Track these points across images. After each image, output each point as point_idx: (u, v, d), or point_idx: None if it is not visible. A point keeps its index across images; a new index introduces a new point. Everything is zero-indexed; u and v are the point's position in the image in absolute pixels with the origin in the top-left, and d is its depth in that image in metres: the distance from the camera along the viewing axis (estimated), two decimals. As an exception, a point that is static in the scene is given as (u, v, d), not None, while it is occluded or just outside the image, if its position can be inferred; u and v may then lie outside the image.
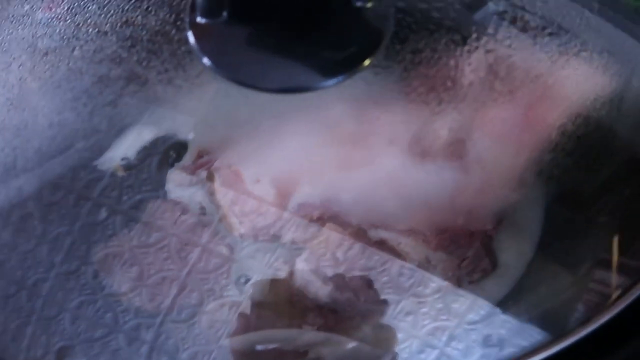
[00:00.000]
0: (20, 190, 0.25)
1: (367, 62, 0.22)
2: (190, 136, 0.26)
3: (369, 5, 0.21)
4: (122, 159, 0.27)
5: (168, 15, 0.23)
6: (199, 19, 0.21)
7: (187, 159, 0.27)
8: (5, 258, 0.26)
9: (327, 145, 0.25)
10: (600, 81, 0.24)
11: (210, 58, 0.21)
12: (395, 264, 0.25)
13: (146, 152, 0.27)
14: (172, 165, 0.27)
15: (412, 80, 0.23)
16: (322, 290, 0.23)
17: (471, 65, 0.24)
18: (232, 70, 0.22)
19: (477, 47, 0.24)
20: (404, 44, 0.23)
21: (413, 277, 0.25)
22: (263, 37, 0.22)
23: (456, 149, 0.24)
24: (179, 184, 0.27)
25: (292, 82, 0.22)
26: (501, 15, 0.24)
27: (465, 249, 0.25)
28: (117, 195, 0.27)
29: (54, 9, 0.26)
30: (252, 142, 0.25)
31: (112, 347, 0.25)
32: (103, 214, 0.27)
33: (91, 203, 0.27)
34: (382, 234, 0.25)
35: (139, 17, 0.23)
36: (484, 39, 0.23)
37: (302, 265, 0.24)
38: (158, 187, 0.27)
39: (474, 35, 0.23)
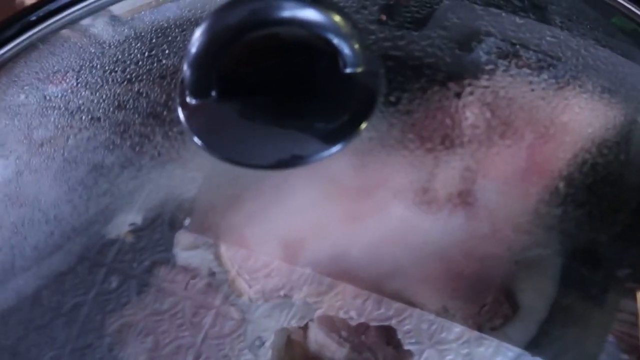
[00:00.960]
0: (18, 292, 0.25)
1: (362, 127, 0.21)
2: (194, 200, 0.26)
3: (359, 70, 0.21)
4: (130, 225, 0.27)
5: (159, 97, 0.23)
6: (188, 100, 0.21)
7: (194, 222, 0.27)
8: (21, 335, 0.26)
9: (332, 200, 0.25)
10: (607, 119, 0.23)
11: (201, 137, 0.21)
12: (415, 313, 0.24)
13: (154, 215, 0.27)
14: (178, 229, 0.27)
15: (413, 132, 0.23)
16: (338, 353, 0.23)
17: (470, 110, 0.23)
18: (224, 149, 0.21)
19: (474, 92, 0.23)
20: (399, 99, 0.22)
21: (434, 324, 0.24)
22: (254, 113, 0.22)
23: (463, 196, 0.23)
24: (186, 247, 0.27)
25: (287, 157, 0.21)
26: (498, 54, 0.24)
27: (483, 295, 0.24)
28: (130, 260, 0.27)
29: (63, 83, 0.26)
30: (255, 202, 0.25)
31: None
32: (116, 280, 0.27)
33: (105, 269, 0.27)
34: (397, 285, 0.24)
35: (131, 101, 0.24)
36: (481, 82, 0.23)
37: (315, 328, 0.23)
38: (168, 250, 0.27)
39: (470, 80, 0.23)
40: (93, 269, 0.27)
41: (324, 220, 0.25)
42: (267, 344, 0.25)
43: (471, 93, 0.24)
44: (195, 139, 0.21)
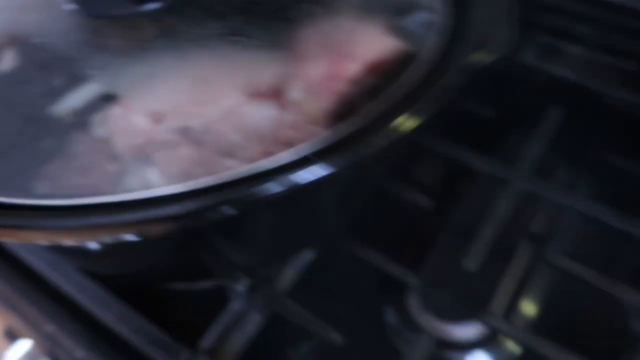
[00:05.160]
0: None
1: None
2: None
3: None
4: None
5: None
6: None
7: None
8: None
9: (192, 86, 0.32)
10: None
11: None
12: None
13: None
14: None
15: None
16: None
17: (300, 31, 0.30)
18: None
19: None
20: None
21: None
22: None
23: (278, 91, 0.30)
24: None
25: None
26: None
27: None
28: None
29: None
30: (145, 86, 0.33)
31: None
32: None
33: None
34: (230, 163, 0.31)
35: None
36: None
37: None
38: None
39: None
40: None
41: (182, 100, 0.32)
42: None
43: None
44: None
